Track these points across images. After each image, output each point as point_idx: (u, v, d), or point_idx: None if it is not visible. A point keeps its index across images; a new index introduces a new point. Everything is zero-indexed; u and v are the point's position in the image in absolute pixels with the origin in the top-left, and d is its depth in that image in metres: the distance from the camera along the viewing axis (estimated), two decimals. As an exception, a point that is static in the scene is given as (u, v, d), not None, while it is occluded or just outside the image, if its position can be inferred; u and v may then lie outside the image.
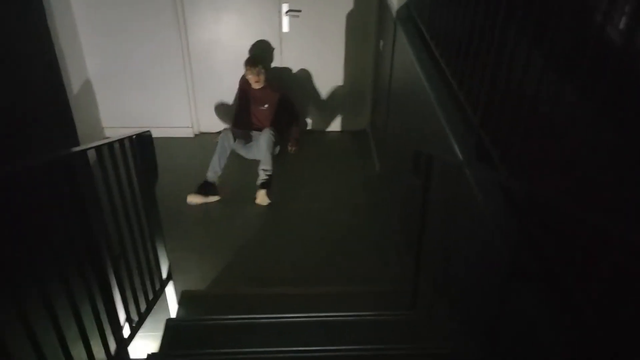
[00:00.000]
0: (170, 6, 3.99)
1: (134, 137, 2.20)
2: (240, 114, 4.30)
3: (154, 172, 2.32)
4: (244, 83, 4.20)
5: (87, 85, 4.21)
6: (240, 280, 3.16)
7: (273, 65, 4.34)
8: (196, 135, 4.64)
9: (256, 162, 3.91)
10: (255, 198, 3.77)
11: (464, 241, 2.04)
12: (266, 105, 4.16)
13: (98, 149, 1.97)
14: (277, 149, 4.16)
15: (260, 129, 4.17)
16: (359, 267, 3.24)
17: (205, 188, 3.83)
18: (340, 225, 3.62)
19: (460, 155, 2.00)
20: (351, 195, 3.94)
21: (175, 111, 4.52)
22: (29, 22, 2.56)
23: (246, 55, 4.23)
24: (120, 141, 2.11)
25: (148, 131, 2.30)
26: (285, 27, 4.14)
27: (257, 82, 4.06)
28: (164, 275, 2.54)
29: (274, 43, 4.23)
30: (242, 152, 4.15)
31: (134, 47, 4.16)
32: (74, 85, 3.89)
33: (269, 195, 3.74)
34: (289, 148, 4.30)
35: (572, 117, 1.41)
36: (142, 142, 2.24)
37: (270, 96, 4.16)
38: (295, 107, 4.34)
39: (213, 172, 3.88)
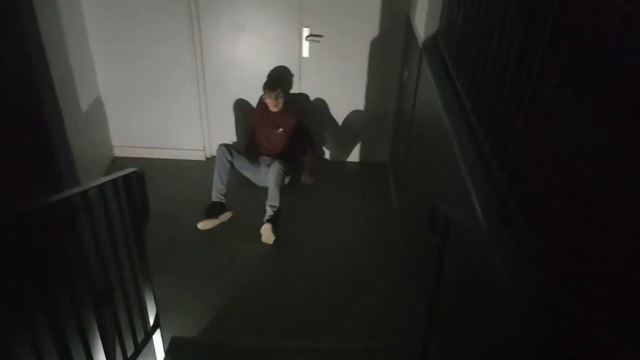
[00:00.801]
0: (186, 22, 3.87)
1: (123, 177, 2.02)
2: (253, 138, 4.14)
3: (144, 214, 2.13)
4: (261, 106, 4.03)
5: (98, 103, 4.10)
6: (237, 326, 2.94)
7: (291, 90, 4.16)
8: (208, 158, 4.48)
9: (265, 191, 3.72)
10: (260, 235, 3.58)
11: (480, 315, 1.79)
12: (281, 130, 3.99)
13: (83, 193, 1.79)
14: (288, 179, 3.97)
15: (270, 154, 3.99)
16: (367, 317, 2.99)
17: (214, 209, 3.68)
18: (350, 268, 3.38)
19: (482, 219, 1.76)
20: (365, 234, 3.70)
21: (187, 133, 4.37)
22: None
23: (263, 78, 4.07)
24: (102, 185, 1.92)
25: (139, 170, 2.12)
26: (305, 52, 3.97)
27: (275, 106, 3.90)
28: (151, 322, 2.34)
29: (293, 68, 4.06)
30: (248, 174, 3.98)
31: (146, 64, 4.05)
32: (83, 102, 3.78)
33: (274, 231, 3.54)
34: (303, 178, 4.10)
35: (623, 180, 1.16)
36: (132, 183, 2.06)
37: (286, 120, 3.99)
38: (310, 134, 4.15)
39: (217, 191, 3.72)
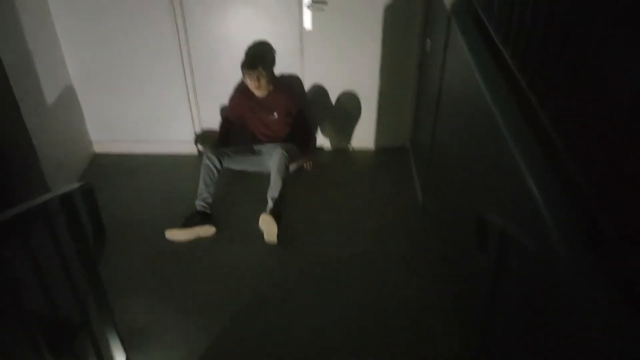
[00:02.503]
0: (167, -4, 3.36)
1: (62, 197, 1.54)
2: (227, 133, 3.67)
3: (99, 238, 1.67)
4: (244, 94, 3.55)
5: (68, 92, 3.62)
6: (238, 358, 2.50)
7: (292, 69, 3.65)
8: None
9: (266, 181, 3.26)
10: (262, 233, 3.12)
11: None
12: (275, 114, 3.50)
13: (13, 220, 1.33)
14: (293, 166, 3.52)
15: (274, 141, 3.52)
16: (393, 346, 2.53)
17: (194, 219, 3.21)
18: (369, 279, 2.90)
19: (557, 240, 1.27)
20: (385, 235, 3.21)
21: (176, 123, 3.89)
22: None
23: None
24: (29, 211, 1.44)
25: (87, 184, 1.65)
26: (308, 24, 3.45)
27: (257, 88, 3.40)
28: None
29: (293, 43, 3.54)
30: (244, 166, 3.51)
31: (123, 45, 3.55)
32: (48, 92, 3.31)
33: (276, 223, 3.07)
34: (305, 165, 3.62)
35: None
36: (79, 201, 1.59)
37: (279, 100, 3.50)
38: (307, 117, 3.69)
39: (201, 200, 3.26)
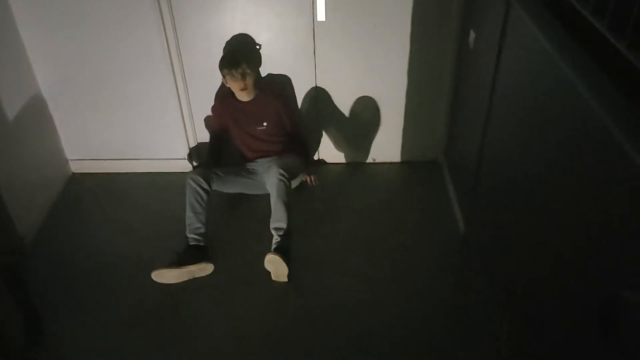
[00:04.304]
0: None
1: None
2: (217, 150, 3.16)
3: (31, 326, 1.14)
4: (226, 101, 3.01)
5: (38, 104, 3.10)
6: None
7: (302, 67, 3.11)
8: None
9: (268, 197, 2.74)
10: (268, 273, 2.59)
11: None
12: (265, 123, 2.96)
13: None
14: (297, 181, 3.01)
15: (266, 156, 2.99)
16: None
17: (187, 256, 2.66)
18: (403, 334, 2.35)
19: None
20: (417, 276, 2.65)
21: (167, 137, 3.35)
22: None
23: (266, 55, 3.04)
24: None
25: (7, 258, 1.13)
26: (321, 14, 2.91)
27: (243, 89, 2.85)
28: None
29: (304, 36, 3.00)
30: (237, 189, 2.98)
31: (103, 50, 3.02)
32: (10, 104, 2.79)
33: (285, 261, 2.54)
34: (308, 180, 3.08)
35: None
36: None
37: (268, 105, 2.96)
38: (300, 126, 3.15)
39: (192, 231, 2.73)
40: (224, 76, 2.85)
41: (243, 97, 2.91)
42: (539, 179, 1.75)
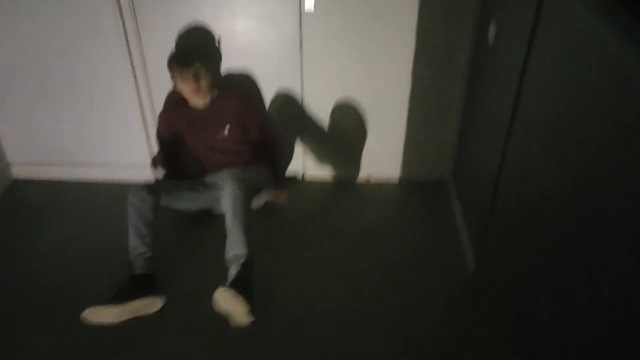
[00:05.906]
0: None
1: None
2: (172, 160, 2.70)
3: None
4: (176, 102, 2.54)
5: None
6: None
7: (286, 64, 2.65)
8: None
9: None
10: (225, 315, 2.10)
11: None
12: (226, 129, 2.49)
13: None
14: (259, 200, 2.57)
15: (226, 167, 2.52)
16: None
17: (129, 288, 2.18)
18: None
19: None
20: (418, 324, 2.16)
21: (125, 141, 2.91)
22: None
23: (237, 52, 2.59)
24: None
25: None
26: (309, 4, 2.45)
27: (195, 93, 2.39)
28: None
29: (290, 30, 2.54)
30: (189, 205, 2.52)
31: (50, 37, 2.59)
32: None
33: (243, 298, 2.03)
34: (272, 196, 2.63)
35: None
36: None
37: (230, 108, 2.50)
38: (271, 133, 2.67)
39: (137, 258, 2.26)
40: (172, 77, 2.39)
41: (197, 101, 2.45)
42: (575, 216, 1.28)
